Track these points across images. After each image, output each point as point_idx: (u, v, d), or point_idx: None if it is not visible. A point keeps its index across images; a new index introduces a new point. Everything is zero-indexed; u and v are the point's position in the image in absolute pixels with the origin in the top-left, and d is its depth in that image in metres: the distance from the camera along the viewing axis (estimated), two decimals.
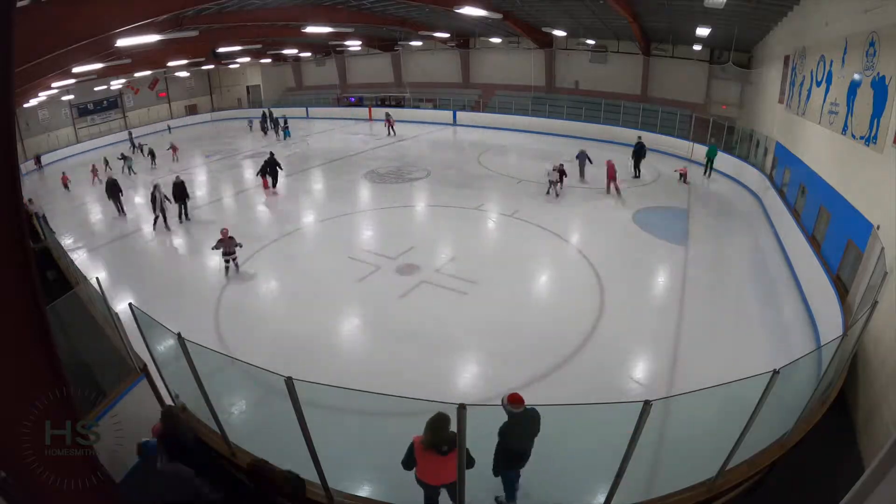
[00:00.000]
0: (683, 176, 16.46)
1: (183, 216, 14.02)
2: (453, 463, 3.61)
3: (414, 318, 8.45)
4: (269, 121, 30.12)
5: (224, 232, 10.09)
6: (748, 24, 15.55)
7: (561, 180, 14.94)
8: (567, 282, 9.77)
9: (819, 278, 8.03)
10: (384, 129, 27.04)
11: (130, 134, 28.97)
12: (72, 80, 22.31)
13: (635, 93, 24.88)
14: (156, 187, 13.37)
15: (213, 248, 10.15)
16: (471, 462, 3.70)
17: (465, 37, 28.96)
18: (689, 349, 7.41)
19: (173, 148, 23.14)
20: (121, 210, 15.20)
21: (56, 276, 8.15)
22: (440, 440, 3.67)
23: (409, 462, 3.88)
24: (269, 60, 35.17)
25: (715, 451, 4.07)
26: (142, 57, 21.83)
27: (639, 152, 17.02)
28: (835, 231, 8.43)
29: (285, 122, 28.29)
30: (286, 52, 31.46)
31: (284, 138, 27.22)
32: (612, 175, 14.81)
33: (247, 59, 33.35)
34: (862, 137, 7.53)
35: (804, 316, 8.24)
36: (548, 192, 14.97)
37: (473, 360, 7.43)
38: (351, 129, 29.64)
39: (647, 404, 3.19)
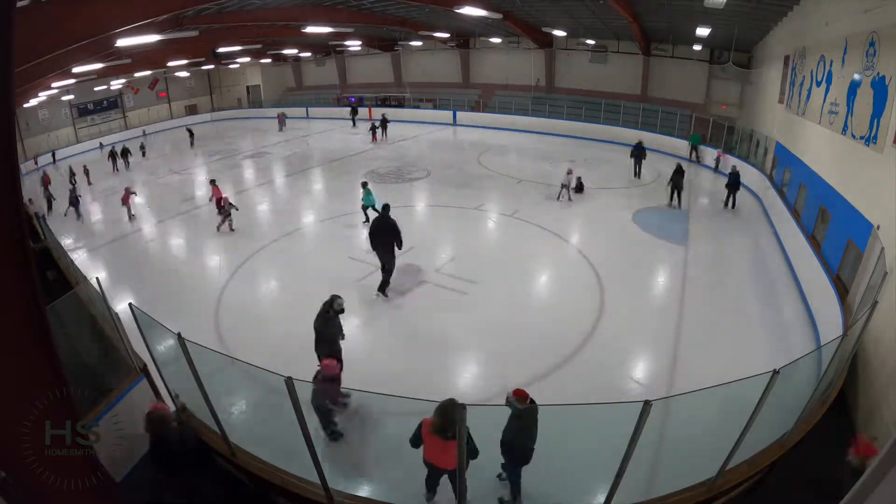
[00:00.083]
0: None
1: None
2: (453, 450, 3.65)
3: (414, 319, 8.45)
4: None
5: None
6: (748, 24, 15.56)
7: (581, 188, 14.58)
8: (567, 282, 9.77)
9: (819, 278, 8.03)
10: (375, 134, 25.03)
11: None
12: (72, 80, 22.31)
13: (635, 93, 24.90)
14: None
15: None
16: (474, 452, 3.72)
17: (465, 37, 28.96)
18: (689, 349, 7.40)
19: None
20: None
21: (56, 276, 8.15)
22: (446, 425, 3.73)
23: (416, 440, 3.97)
24: (269, 60, 35.17)
25: (715, 451, 4.07)
26: (142, 57, 21.83)
27: (639, 154, 16.95)
28: (835, 231, 8.43)
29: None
30: (286, 52, 31.47)
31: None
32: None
33: (247, 59, 33.36)
34: (862, 137, 7.53)
35: (804, 316, 8.23)
36: (559, 198, 14.38)
37: (473, 359, 7.43)
38: (351, 129, 29.64)
39: (647, 404, 3.20)
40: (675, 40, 22.36)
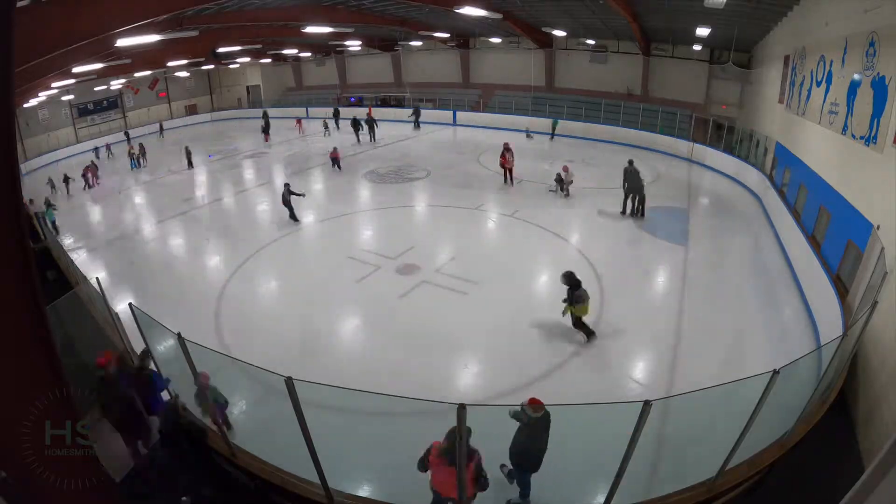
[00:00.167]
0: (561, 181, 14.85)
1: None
2: (465, 476, 3.61)
3: (414, 319, 8.45)
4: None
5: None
6: (748, 24, 15.55)
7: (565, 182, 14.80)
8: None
9: (819, 278, 8.03)
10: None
11: (161, 125, 31.43)
12: (72, 80, 22.29)
13: (635, 93, 24.90)
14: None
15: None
16: (485, 484, 3.69)
17: (465, 37, 28.95)
18: (689, 349, 7.40)
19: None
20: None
21: (56, 276, 8.16)
22: (449, 449, 3.63)
23: (422, 464, 3.84)
24: (269, 60, 35.16)
25: (715, 451, 4.07)
26: (142, 57, 21.83)
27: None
28: (835, 231, 8.43)
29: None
30: (286, 52, 31.45)
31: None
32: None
33: (247, 59, 33.35)
34: (862, 137, 7.53)
35: (804, 316, 8.23)
36: (557, 190, 14.88)
37: (473, 359, 7.42)
38: (351, 129, 29.57)
39: (647, 404, 3.20)
40: (675, 40, 22.35)
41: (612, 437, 3.55)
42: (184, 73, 35.21)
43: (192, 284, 10.15)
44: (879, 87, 7.05)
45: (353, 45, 29.52)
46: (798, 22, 12.02)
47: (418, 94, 32.25)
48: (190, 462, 4.55)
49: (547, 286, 9.96)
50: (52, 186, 18.40)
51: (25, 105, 24.74)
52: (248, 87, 39.62)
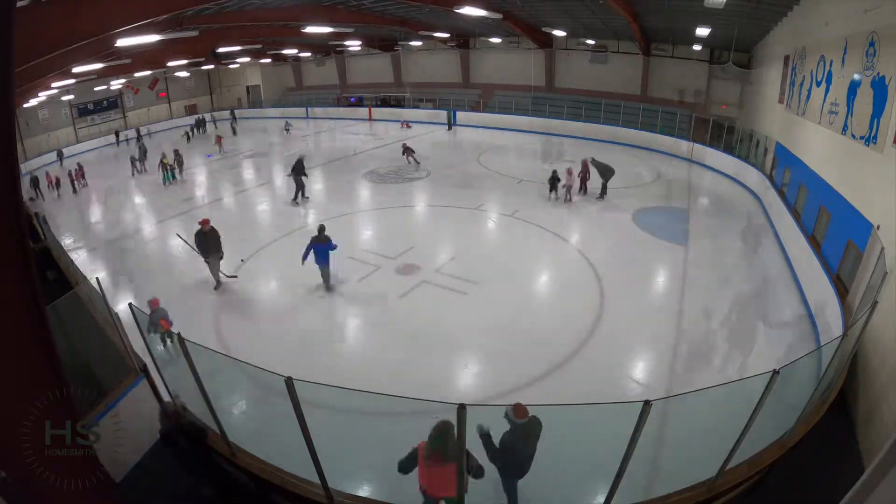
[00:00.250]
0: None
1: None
2: (451, 476, 3.59)
3: (414, 319, 8.45)
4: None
5: None
6: (748, 24, 15.55)
7: (571, 187, 14.19)
8: (567, 282, 9.77)
9: (819, 278, 8.03)
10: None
11: (204, 118, 31.87)
12: (72, 80, 22.29)
13: (635, 93, 24.90)
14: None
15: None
16: (480, 472, 3.66)
17: (465, 37, 28.96)
18: (689, 349, 7.40)
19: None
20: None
21: (56, 276, 8.15)
22: (438, 448, 3.58)
23: (405, 464, 3.73)
24: (269, 60, 35.17)
25: (715, 451, 4.07)
26: (142, 57, 21.83)
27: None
28: (835, 231, 8.43)
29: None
30: (286, 52, 31.46)
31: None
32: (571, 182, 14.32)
33: (247, 59, 33.35)
34: (862, 137, 7.53)
35: (804, 316, 8.23)
36: (564, 198, 14.25)
37: (473, 360, 7.43)
38: (351, 129, 29.65)
39: (647, 404, 3.19)
40: (675, 40, 22.37)
41: (612, 437, 3.55)
42: (184, 73, 35.21)
43: (192, 284, 10.14)
44: (879, 87, 7.05)
45: (353, 45, 29.53)
46: (798, 22, 12.02)
47: (418, 94, 32.29)
48: (190, 462, 4.55)
49: (547, 286, 9.98)
50: (36, 186, 17.88)
51: (25, 105, 24.75)
52: (248, 87, 39.64)
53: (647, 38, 22.72)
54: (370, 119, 33.07)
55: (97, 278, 5.80)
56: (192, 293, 9.69)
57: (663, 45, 23.27)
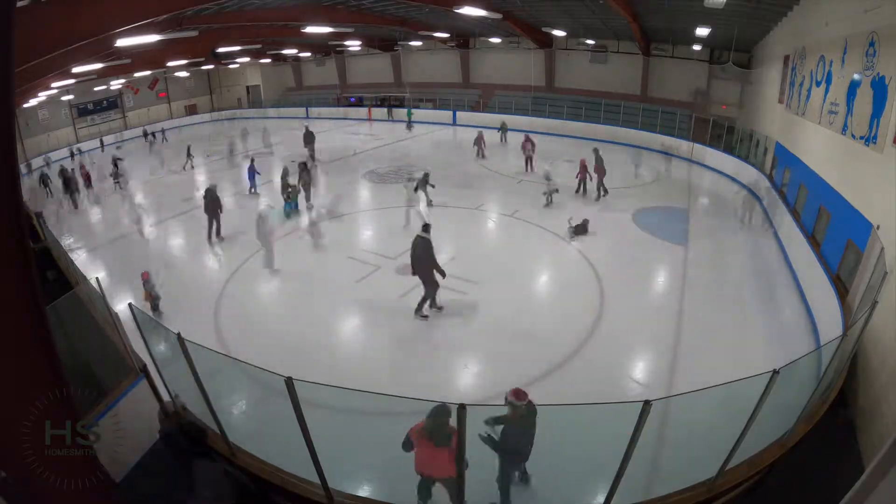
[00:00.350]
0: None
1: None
2: (443, 458, 3.62)
3: (414, 319, 8.44)
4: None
5: None
6: (748, 24, 15.55)
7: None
8: (567, 282, 9.77)
9: (819, 278, 8.03)
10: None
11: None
12: (72, 80, 22.30)
13: (635, 93, 24.90)
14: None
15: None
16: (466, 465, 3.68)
17: (465, 37, 28.96)
18: (689, 349, 7.40)
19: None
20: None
21: (56, 276, 8.15)
22: (434, 429, 3.67)
23: (406, 444, 3.85)
24: (268, 60, 35.19)
25: (715, 451, 4.07)
26: (142, 57, 21.82)
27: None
28: (835, 231, 8.43)
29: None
30: (286, 52, 31.48)
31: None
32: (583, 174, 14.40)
33: (247, 59, 33.37)
34: (862, 137, 7.53)
35: (804, 316, 8.23)
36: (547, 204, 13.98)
37: (473, 360, 7.42)
38: (351, 129, 29.64)
39: (647, 404, 3.19)
40: (675, 40, 22.37)
41: (612, 437, 3.55)
42: (184, 73, 35.24)
43: (192, 284, 10.15)
44: (879, 87, 7.05)
45: (353, 45, 29.54)
46: (798, 22, 12.02)
47: (418, 94, 32.30)
48: (190, 462, 4.55)
49: (547, 286, 9.98)
50: (45, 185, 17.82)
51: (25, 105, 24.77)
52: (248, 87, 39.66)
53: (647, 38, 22.72)
54: (370, 119, 33.08)
55: (97, 278, 5.80)
56: (193, 292, 9.68)
57: (663, 45, 23.27)
